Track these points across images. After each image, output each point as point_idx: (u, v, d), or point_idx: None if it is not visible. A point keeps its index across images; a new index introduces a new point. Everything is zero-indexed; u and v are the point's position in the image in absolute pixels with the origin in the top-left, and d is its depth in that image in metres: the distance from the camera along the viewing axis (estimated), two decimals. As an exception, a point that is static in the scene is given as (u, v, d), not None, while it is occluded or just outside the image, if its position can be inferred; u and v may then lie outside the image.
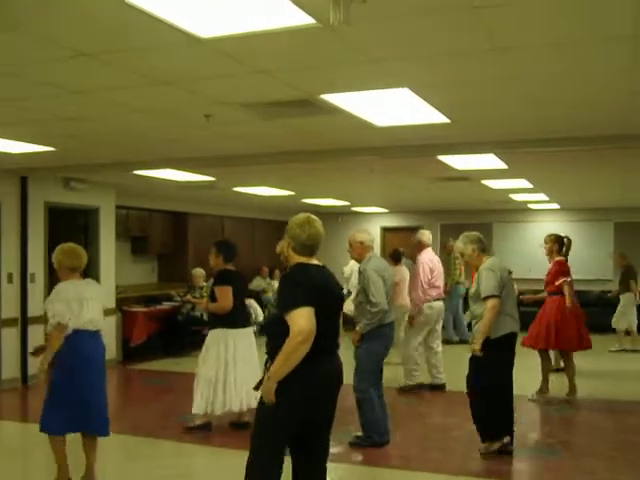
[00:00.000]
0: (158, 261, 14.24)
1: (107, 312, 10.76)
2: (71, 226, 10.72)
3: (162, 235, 13.69)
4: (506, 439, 6.08)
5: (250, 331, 7.08)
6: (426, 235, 9.15)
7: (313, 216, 4.04)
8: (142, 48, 3.99)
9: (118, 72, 4.47)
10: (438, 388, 8.93)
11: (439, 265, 9.06)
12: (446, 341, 12.56)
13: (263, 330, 4.65)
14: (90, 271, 10.66)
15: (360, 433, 6.50)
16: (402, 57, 4.23)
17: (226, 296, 6.75)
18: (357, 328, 6.37)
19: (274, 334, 3.81)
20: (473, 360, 6.00)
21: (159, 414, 7.88)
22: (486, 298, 5.86)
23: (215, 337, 6.83)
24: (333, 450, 6.17)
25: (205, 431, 6.90)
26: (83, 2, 3.28)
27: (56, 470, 5.30)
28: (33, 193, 9.62)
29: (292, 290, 3.77)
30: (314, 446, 4.01)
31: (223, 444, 6.59)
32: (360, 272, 6.46)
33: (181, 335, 12.13)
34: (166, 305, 12.48)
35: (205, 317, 11.11)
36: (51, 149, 7.45)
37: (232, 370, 6.73)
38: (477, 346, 5.84)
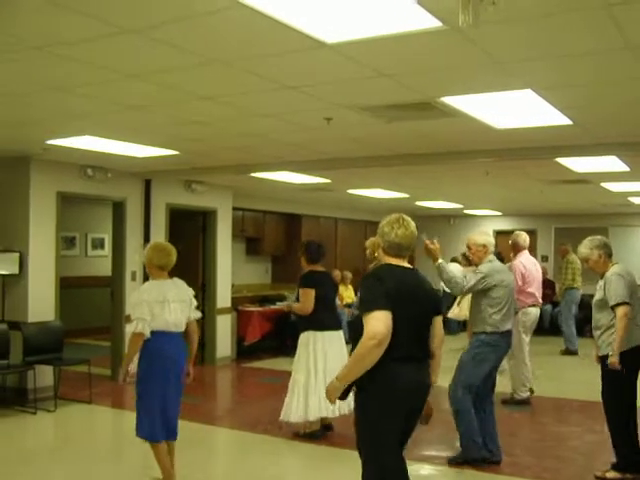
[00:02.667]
0: (272, 262, 14.52)
1: (223, 311, 11.26)
2: (190, 227, 11.08)
3: (276, 236, 13.94)
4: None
5: (340, 334, 6.90)
6: (522, 237, 8.62)
7: (405, 216, 3.89)
8: (271, 54, 4.10)
9: (246, 78, 4.60)
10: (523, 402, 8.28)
11: (534, 270, 8.49)
12: (567, 351, 12.23)
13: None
14: (207, 271, 11.04)
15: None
16: (528, 58, 4.19)
17: (307, 298, 6.62)
18: None
19: (355, 337, 3.65)
20: (607, 374, 5.53)
21: (273, 412, 8.02)
22: (616, 306, 5.40)
23: (305, 340, 6.73)
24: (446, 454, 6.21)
25: (317, 437, 6.82)
26: (218, 13, 3.40)
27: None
28: (156, 195, 10.02)
29: (371, 292, 3.65)
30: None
31: (339, 444, 6.60)
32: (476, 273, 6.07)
33: (294, 335, 12.28)
34: (280, 305, 12.67)
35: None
36: (175, 153, 7.73)
37: (322, 374, 6.54)
38: (614, 358, 5.33)
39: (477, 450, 5.93)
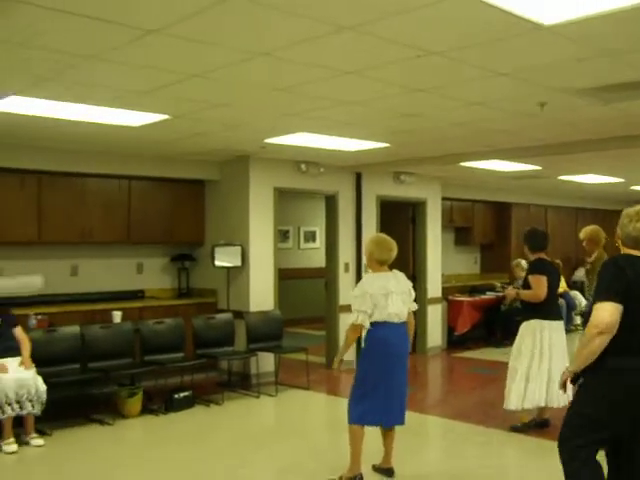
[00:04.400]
0: (481, 251, 14.37)
1: (433, 301, 11.31)
2: (400, 218, 11.21)
3: (484, 226, 13.78)
4: None
5: (562, 325, 6.80)
6: None
7: None
8: (489, 42, 4.07)
9: (460, 68, 4.60)
10: None
11: None
12: None
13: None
14: (417, 261, 11.14)
15: None
16: None
17: (541, 285, 6.52)
18: None
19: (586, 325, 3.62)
20: None
21: (484, 402, 7.97)
22: None
23: (530, 328, 6.61)
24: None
25: (536, 428, 6.72)
26: (433, 6, 3.43)
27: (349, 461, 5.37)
28: (366, 187, 10.24)
29: (604, 281, 3.60)
30: (631, 456, 3.74)
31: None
32: None
33: (504, 326, 12.11)
34: (489, 295, 12.52)
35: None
36: (386, 145, 7.87)
37: (547, 363, 6.50)
38: None
39: None
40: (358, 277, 9.97)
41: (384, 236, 5.51)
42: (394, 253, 5.36)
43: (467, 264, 14.13)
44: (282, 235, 13.77)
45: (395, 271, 5.42)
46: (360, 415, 5.27)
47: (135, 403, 7.39)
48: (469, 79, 4.95)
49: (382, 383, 5.25)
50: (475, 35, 3.95)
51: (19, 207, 7.90)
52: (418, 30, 3.85)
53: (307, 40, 4.01)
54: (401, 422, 5.43)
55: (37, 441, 6.38)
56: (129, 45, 4.07)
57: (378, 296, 5.15)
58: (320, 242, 14.35)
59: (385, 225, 10.25)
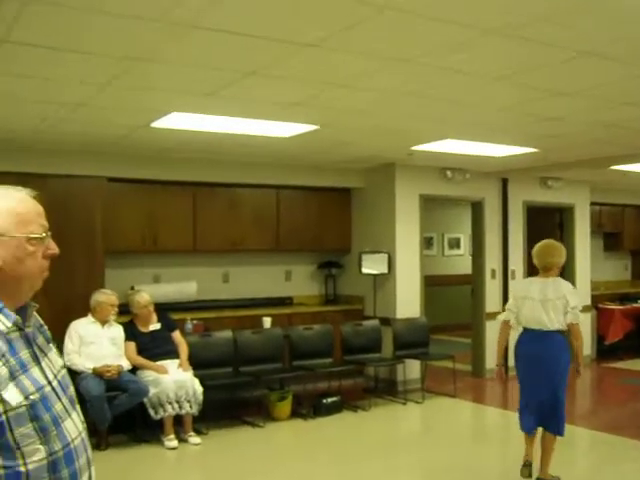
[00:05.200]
0: (632, 258, 13.81)
1: (583, 309, 10.90)
2: (547, 224, 10.94)
3: (636, 231, 13.23)
4: None
5: None
6: None
7: None
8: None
9: (609, 67, 4.47)
10: None
11: None
12: None
13: None
14: (565, 268, 10.79)
15: None
16: None
17: None
18: None
19: None
20: None
21: (637, 415, 7.67)
22: None
23: None
24: None
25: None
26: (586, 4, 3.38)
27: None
28: (512, 193, 10.08)
29: None
30: None
31: None
32: None
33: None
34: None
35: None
36: (534, 150, 7.73)
37: None
38: None
39: None
40: (505, 284, 9.84)
41: (544, 242, 5.52)
42: (552, 259, 5.37)
43: (617, 271, 13.60)
44: (426, 242, 13.74)
45: (558, 279, 5.39)
46: (520, 422, 5.44)
47: (285, 407, 7.58)
48: (619, 78, 4.79)
49: (524, 388, 5.42)
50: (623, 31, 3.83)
51: (177, 217, 8.31)
52: (568, 31, 3.77)
53: (453, 45, 4.01)
54: (557, 432, 5.35)
55: (194, 439, 6.68)
56: (286, 60, 4.23)
57: (518, 299, 5.41)
58: (464, 249, 14.24)
59: (531, 231, 10.04)
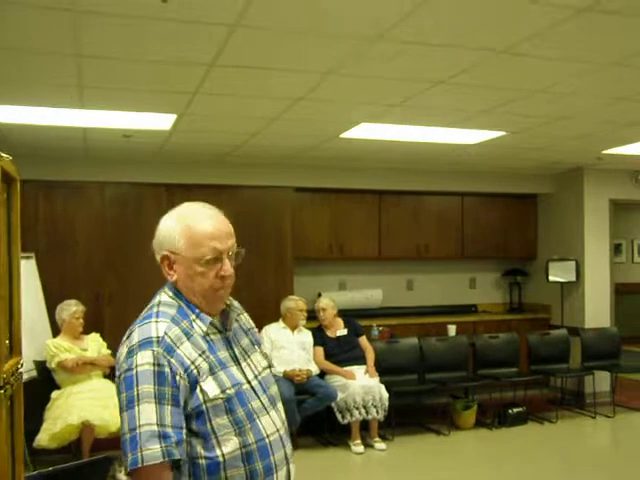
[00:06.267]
0: None
1: None
2: None
3: None
4: None
5: None
6: None
7: None
8: None
9: None
10: None
11: None
12: None
13: None
14: None
15: None
16: None
17: None
18: None
19: None
20: None
21: None
22: None
23: None
24: None
25: None
26: None
27: None
28: None
29: None
30: None
31: None
32: None
33: None
34: None
35: None
36: None
37: None
38: None
39: None
40: None
41: None
42: None
43: None
44: (614, 249, 13.18)
45: None
46: None
47: (469, 416, 7.52)
48: None
49: None
50: None
51: (362, 225, 8.48)
52: None
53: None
54: None
55: (380, 445, 6.77)
56: (478, 68, 4.23)
57: None
58: (656, 256, 13.57)
59: None
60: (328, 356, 7.05)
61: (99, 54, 3.92)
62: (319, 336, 7.13)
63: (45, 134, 6.07)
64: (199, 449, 1.84)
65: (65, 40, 3.67)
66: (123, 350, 1.87)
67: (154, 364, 1.80)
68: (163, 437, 1.76)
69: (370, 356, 7.13)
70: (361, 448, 6.66)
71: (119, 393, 1.83)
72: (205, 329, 1.93)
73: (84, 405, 5.76)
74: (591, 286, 8.67)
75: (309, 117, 5.55)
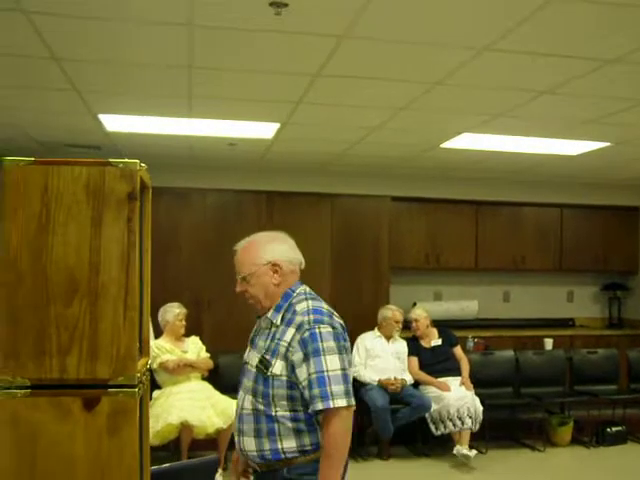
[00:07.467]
0: None
1: None
2: None
3: None
4: None
5: None
6: None
7: None
8: None
9: None
10: None
11: None
12: None
13: None
14: None
15: None
16: None
17: None
18: None
19: None
20: None
21: None
22: None
23: None
24: None
25: None
26: None
27: None
28: None
29: None
30: None
31: None
32: None
33: None
34: None
35: None
36: None
37: None
38: None
39: None
40: None
41: None
42: None
43: None
44: None
45: None
46: None
47: (565, 432, 7.34)
48: None
49: None
50: None
51: (459, 235, 8.44)
52: None
53: None
54: None
55: (469, 452, 6.54)
56: (582, 78, 4.17)
57: None
58: None
59: None
60: (422, 366, 7.01)
61: (210, 65, 4.05)
62: (413, 346, 7.10)
63: (154, 142, 6.28)
64: None
65: (180, 53, 3.80)
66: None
67: None
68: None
69: (465, 367, 7.05)
70: (473, 452, 6.51)
71: None
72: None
73: (183, 406, 5.89)
74: None
75: (412, 126, 5.58)
